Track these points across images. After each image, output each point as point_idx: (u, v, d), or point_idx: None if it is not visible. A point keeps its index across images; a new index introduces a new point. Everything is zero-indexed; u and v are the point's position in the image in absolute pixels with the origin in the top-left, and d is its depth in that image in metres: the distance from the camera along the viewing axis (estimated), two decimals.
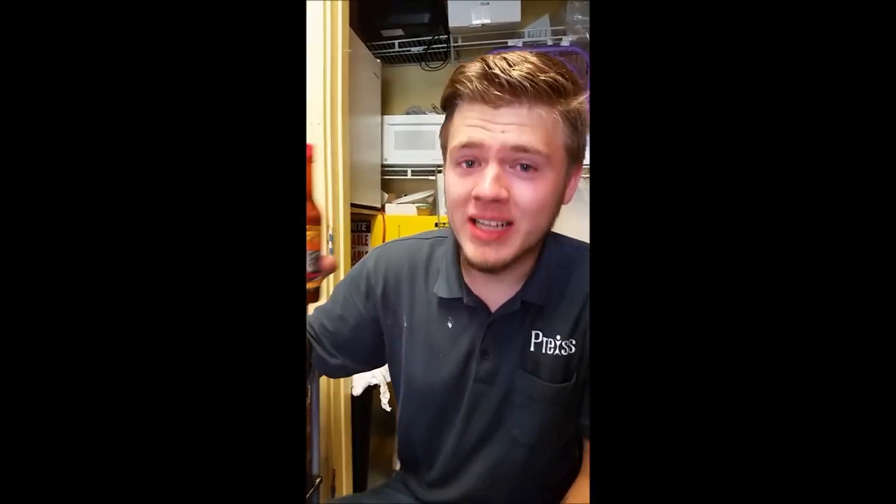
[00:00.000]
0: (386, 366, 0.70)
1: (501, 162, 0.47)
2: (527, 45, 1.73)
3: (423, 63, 1.95)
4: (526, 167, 0.48)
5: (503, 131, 0.46)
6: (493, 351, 0.58)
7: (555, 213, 0.53)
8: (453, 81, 0.50)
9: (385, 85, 1.87)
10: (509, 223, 0.49)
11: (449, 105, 0.52)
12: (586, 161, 0.56)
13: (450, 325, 0.60)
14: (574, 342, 0.57)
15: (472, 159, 0.49)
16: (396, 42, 1.82)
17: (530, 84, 0.45)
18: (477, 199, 0.48)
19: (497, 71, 0.45)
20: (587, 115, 0.50)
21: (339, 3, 1.19)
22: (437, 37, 1.80)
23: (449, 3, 1.69)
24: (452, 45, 1.81)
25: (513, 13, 1.64)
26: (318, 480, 1.10)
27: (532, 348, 0.58)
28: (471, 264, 0.53)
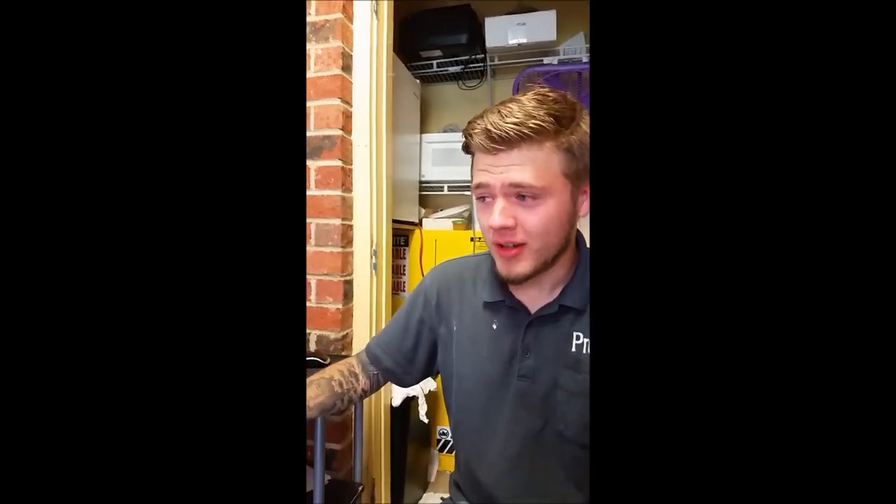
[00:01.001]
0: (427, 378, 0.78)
1: (506, 196, 0.58)
2: (562, 63, 1.75)
3: (461, 82, 2.01)
4: (524, 197, 0.57)
5: (502, 172, 0.57)
6: (534, 349, 0.65)
7: (565, 229, 0.60)
8: (465, 133, 0.60)
9: (423, 103, 1.93)
10: (522, 243, 0.59)
11: (468, 153, 0.63)
12: None
13: (494, 326, 0.68)
14: None
15: (485, 196, 0.60)
16: (435, 62, 1.88)
17: (517, 134, 0.55)
18: (491, 228, 0.59)
19: (490, 126, 0.55)
20: (586, 139, 0.58)
21: (385, 28, 1.25)
22: (473, 56, 1.85)
23: (486, 23, 1.74)
24: (489, 63, 1.86)
25: (549, 32, 1.67)
26: (360, 488, 1.14)
27: (573, 349, 0.63)
28: (501, 277, 0.63)
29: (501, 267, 0.61)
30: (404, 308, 0.78)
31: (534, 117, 0.55)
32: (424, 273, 1.75)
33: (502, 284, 0.66)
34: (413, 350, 0.76)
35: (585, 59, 1.76)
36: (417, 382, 0.82)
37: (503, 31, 1.71)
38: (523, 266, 0.59)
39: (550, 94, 0.58)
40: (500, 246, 0.60)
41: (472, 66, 1.89)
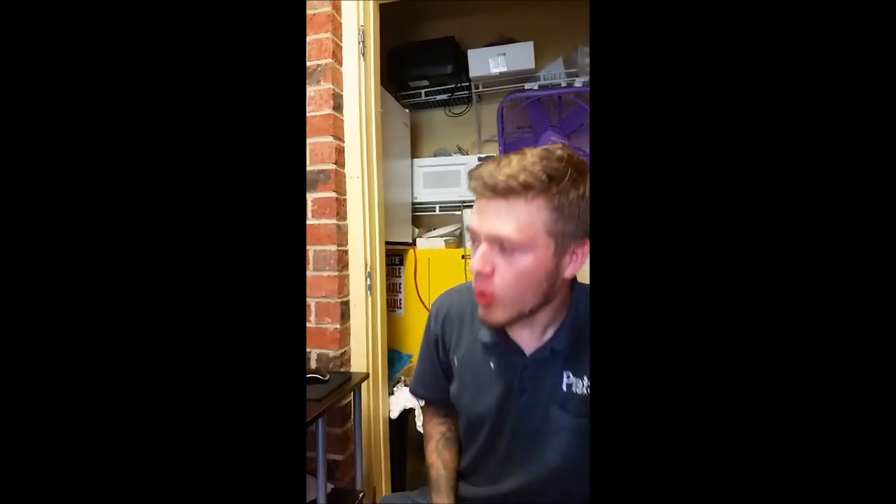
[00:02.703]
0: None
1: (489, 243, 0.60)
2: (542, 88, 1.86)
3: (448, 108, 2.13)
4: (507, 248, 0.59)
5: (487, 221, 0.59)
6: (529, 389, 0.69)
7: (542, 286, 0.61)
8: (469, 178, 0.62)
9: (413, 129, 2.04)
10: (492, 295, 0.61)
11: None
12: None
13: (492, 365, 0.71)
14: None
15: (473, 238, 0.63)
16: (423, 91, 2.00)
17: (505, 186, 0.56)
18: (471, 270, 0.62)
19: (485, 175, 0.58)
20: (575, 199, 0.58)
21: (372, 68, 1.36)
22: (459, 84, 1.97)
23: (469, 54, 1.86)
24: (474, 91, 1.97)
25: (527, 61, 1.79)
26: (360, 495, 1.22)
27: (564, 388, 0.67)
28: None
29: (480, 310, 0.64)
30: (422, 345, 0.83)
31: (527, 171, 0.56)
32: (419, 289, 1.85)
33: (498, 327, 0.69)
34: (445, 377, 0.80)
35: (564, 84, 1.87)
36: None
37: (485, 61, 1.83)
38: (497, 315, 0.62)
39: (559, 151, 0.59)
40: (479, 292, 0.62)
41: (457, 93, 2.01)
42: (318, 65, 1.26)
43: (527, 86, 1.89)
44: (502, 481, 0.74)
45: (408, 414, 1.55)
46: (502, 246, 0.59)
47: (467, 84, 1.96)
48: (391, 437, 1.45)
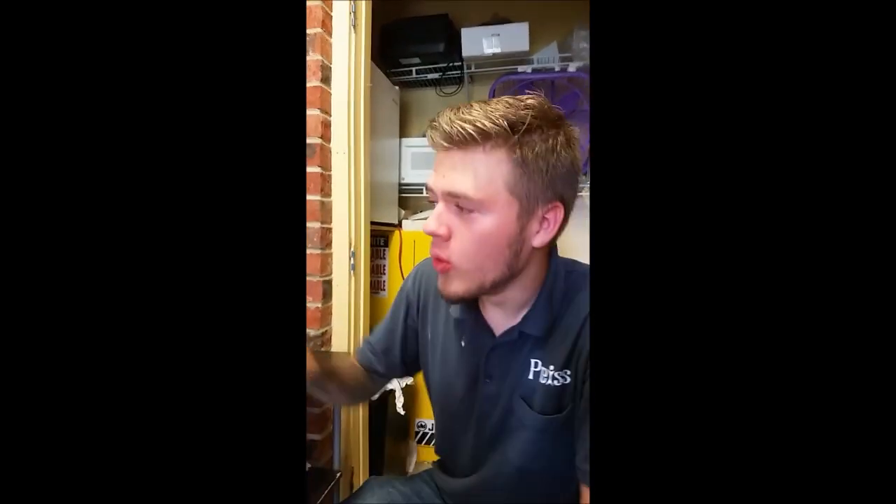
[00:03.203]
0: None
1: (446, 202, 0.52)
2: (536, 72, 1.84)
3: (439, 88, 2.08)
4: (465, 208, 0.51)
5: (444, 176, 0.51)
6: (495, 375, 0.62)
7: (505, 254, 0.53)
8: (428, 129, 0.54)
9: (403, 108, 2.00)
10: (449, 262, 0.53)
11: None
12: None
13: (462, 343, 0.65)
14: (568, 373, 0.58)
15: (431, 199, 0.55)
16: (414, 69, 1.95)
17: (461, 131, 0.48)
18: (424, 231, 0.53)
19: (443, 122, 0.50)
20: (549, 152, 0.50)
21: (363, 41, 1.32)
22: (451, 64, 1.92)
23: (462, 32, 1.81)
24: (466, 71, 1.93)
25: (522, 42, 1.75)
26: (338, 475, 1.21)
27: (531, 376, 0.60)
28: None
29: (439, 283, 0.56)
30: (391, 310, 0.77)
31: (486, 118, 0.48)
32: (404, 272, 1.83)
33: (470, 303, 0.62)
34: (402, 350, 0.75)
35: (558, 69, 1.84)
36: (406, 375, 0.82)
37: (479, 41, 1.79)
38: (455, 286, 0.54)
39: (529, 99, 0.51)
40: (435, 257, 0.54)
41: (449, 73, 1.96)
42: (307, 34, 1.21)
43: (520, 68, 1.86)
44: (469, 475, 0.69)
45: (388, 395, 1.55)
46: (458, 204, 0.51)
47: (459, 64, 1.92)
48: (370, 417, 1.45)
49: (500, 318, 0.62)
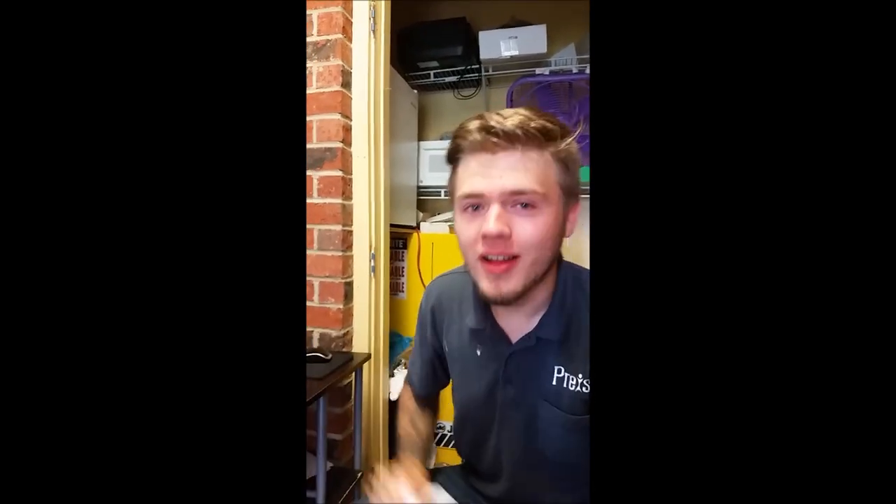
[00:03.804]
0: None
1: (503, 203, 0.53)
2: (553, 73, 1.83)
3: (457, 91, 2.09)
4: (525, 205, 0.54)
5: (501, 177, 0.53)
6: (515, 380, 0.63)
7: (557, 245, 0.58)
8: (456, 137, 0.56)
9: (421, 111, 2.01)
10: (515, 256, 0.54)
11: (453, 159, 0.58)
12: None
13: (478, 352, 0.67)
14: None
15: (477, 204, 0.55)
16: (432, 72, 1.97)
17: (522, 131, 0.52)
18: (484, 237, 0.54)
19: (493, 123, 0.53)
20: (577, 156, 0.57)
21: (382, 46, 1.34)
22: (469, 67, 1.93)
23: (480, 36, 1.82)
24: (484, 74, 1.94)
25: (539, 45, 1.75)
26: (359, 474, 1.23)
27: (554, 382, 0.60)
28: (486, 298, 0.58)
29: (488, 286, 0.56)
30: (416, 335, 0.81)
31: (536, 119, 0.53)
32: (422, 274, 1.84)
33: (485, 309, 0.64)
34: (436, 372, 0.80)
35: (576, 70, 1.84)
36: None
37: (496, 44, 1.80)
38: (514, 283, 0.55)
39: (540, 111, 0.57)
40: (488, 261, 0.55)
41: (467, 76, 1.97)
42: (328, 40, 1.23)
43: (538, 70, 1.86)
44: (495, 481, 0.70)
45: None
46: (522, 202, 0.53)
47: (477, 67, 1.92)
48: (391, 418, 1.46)
49: (516, 324, 0.63)
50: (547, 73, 1.85)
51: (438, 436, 1.89)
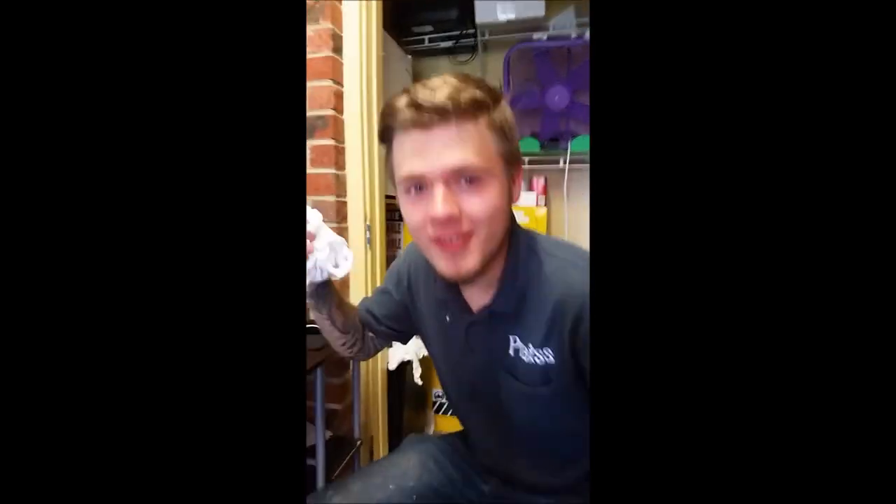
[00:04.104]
0: (417, 341, 0.81)
1: (446, 183, 0.51)
2: (551, 39, 1.78)
3: (452, 56, 2.03)
4: (470, 181, 0.52)
5: (440, 156, 0.50)
6: (477, 349, 0.64)
7: (508, 215, 0.57)
8: (384, 115, 0.54)
9: (415, 78, 1.96)
10: (468, 233, 0.53)
11: (386, 139, 0.56)
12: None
13: (448, 318, 0.67)
14: (551, 351, 0.58)
15: (419, 185, 0.53)
16: (426, 37, 1.91)
17: (453, 104, 0.49)
18: (433, 221, 0.52)
19: (421, 98, 0.50)
20: (513, 121, 0.56)
21: (374, 8, 1.29)
22: (464, 31, 1.87)
23: None
24: (480, 38, 1.88)
25: (537, 8, 1.69)
26: (358, 443, 1.25)
27: (511, 352, 0.61)
28: (446, 278, 0.57)
29: (446, 266, 0.55)
30: (387, 279, 0.79)
31: (467, 90, 0.50)
32: None
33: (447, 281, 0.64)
34: (400, 315, 0.77)
35: (574, 35, 1.78)
36: (397, 340, 0.84)
37: (492, 7, 1.73)
38: (471, 260, 0.54)
39: (469, 76, 0.55)
40: (441, 242, 0.53)
41: (463, 41, 1.92)
42: (317, 2, 1.18)
43: (535, 35, 1.80)
44: (485, 438, 0.72)
45: (405, 366, 1.57)
46: (466, 177, 0.51)
47: (473, 31, 1.87)
48: (389, 388, 1.47)
49: (476, 295, 0.63)
50: (545, 38, 1.80)
51: (437, 404, 1.92)
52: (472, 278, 0.56)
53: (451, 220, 0.52)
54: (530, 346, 0.59)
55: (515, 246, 0.61)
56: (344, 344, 0.77)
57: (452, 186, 0.52)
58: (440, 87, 0.51)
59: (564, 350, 0.57)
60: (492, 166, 0.53)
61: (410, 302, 0.75)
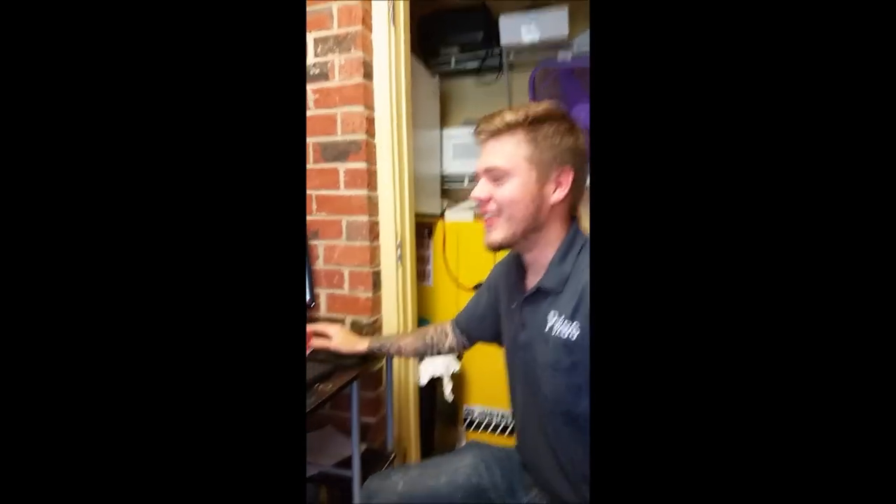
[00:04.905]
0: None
1: (485, 175, 0.75)
2: (575, 58, 1.80)
3: (478, 77, 2.08)
4: (496, 177, 0.73)
5: (484, 159, 0.75)
6: (527, 325, 0.78)
7: (530, 207, 0.73)
8: (476, 134, 0.76)
9: (443, 97, 2.01)
10: (496, 213, 0.74)
11: None
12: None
13: (513, 305, 0.82)
14: (577, 325, 0.69)
15: (477, 179, 0.77)
16: (453, 58, 1.96)
17: (494, 129, 0.73)
18: (476, 200, 0.75)
19: (481, 126, 0.74)
20: (549, 133, 0.72)
21: (402, 36, 1.35)
22: (490, 52, 1.92)
23: (500, 20, 1.80)
24: (505, 59, 1.92)
25: (560, 28, 1.73)
26: (392, 456, 1.27)
27: (549, 323, 0.74)
28: (485, 246, 0.76)
29: (485, 238, 0.76)
30: (480, 290, 0.99)
31: (512, 115, 0.72)
32: (447, 261, 1.86)
33: (520, 271, 0.82)
34: (483, 316, 0.96)
35: None
36: (491, 340, 0.98)
37: (517, 28, 1.78)
38: (496, 234, 0.74)
39: (546, 104, 0.74)
40: (484, 217, 0.75)
41: (488, 61, 1.96)
42: (348, 32, 1.25)
43: (560, 54, 1.83)
44: (522, 448, 0.84)
45: (436, 382, 1.59)
46: (494, 175, 0.73)
47: (499, 52, 1.91)
48: (420, 403, 1.49)
49: (532, 279, 0.79)
50: (569, 58, 1.82)
51: (468, 420, 1.93)
52: (498, 248, 0.75)
53: (482, 201, 0.75)
54: (563, 317, 0.72)
55: (569, 241, 0.75)
56: (424, 353, 1.04)
57: (488, 180, 0.74)
58: (499, 115, 0.73)
59: (587, 325, 0.68)
60: (516, 167, 0.72)
61: (496, 299, 0.93)
